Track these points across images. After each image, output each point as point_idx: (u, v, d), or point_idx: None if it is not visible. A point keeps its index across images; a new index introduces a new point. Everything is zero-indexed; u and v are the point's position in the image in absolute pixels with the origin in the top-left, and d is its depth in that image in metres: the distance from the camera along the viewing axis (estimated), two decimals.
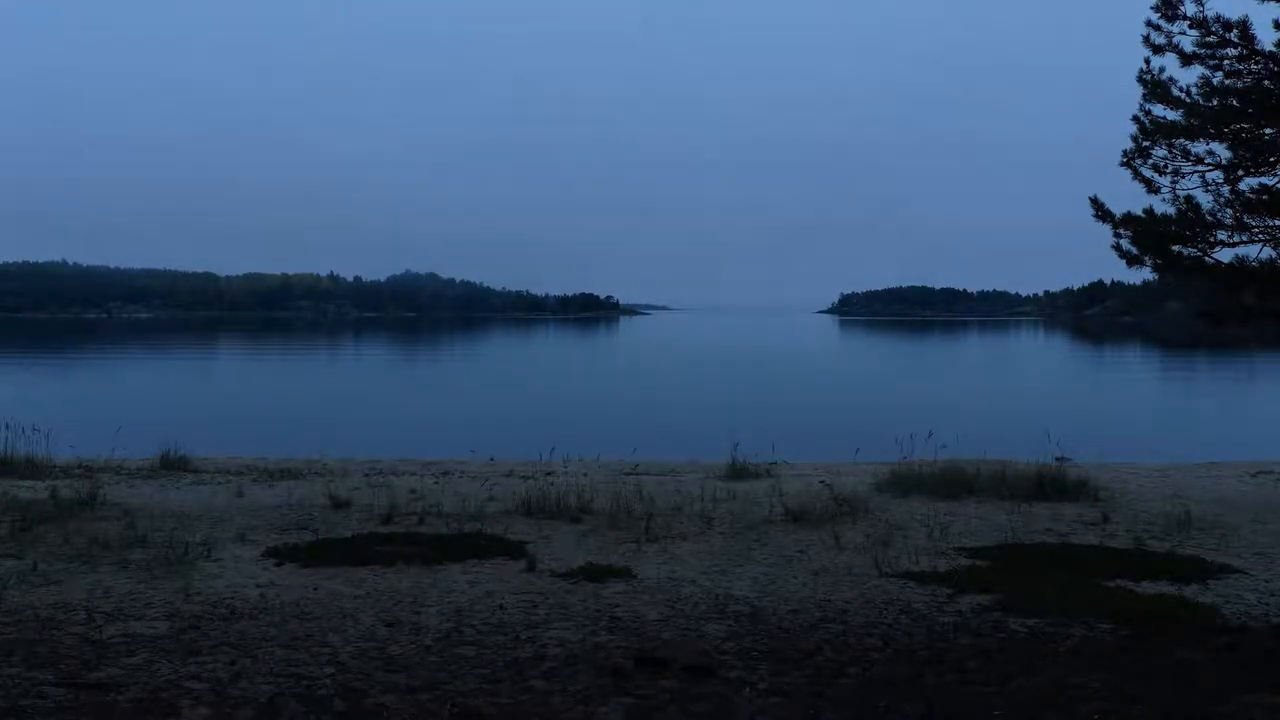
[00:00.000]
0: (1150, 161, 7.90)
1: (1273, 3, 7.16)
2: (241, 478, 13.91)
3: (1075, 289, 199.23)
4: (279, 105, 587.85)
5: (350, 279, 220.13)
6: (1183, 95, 7.69)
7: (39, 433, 14.26)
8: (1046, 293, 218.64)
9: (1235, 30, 7.18)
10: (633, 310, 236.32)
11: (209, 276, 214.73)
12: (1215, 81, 7.42)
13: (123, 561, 7.95)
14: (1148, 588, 7.42)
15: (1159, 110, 7.86)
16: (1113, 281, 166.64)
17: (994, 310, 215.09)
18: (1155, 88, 7.80)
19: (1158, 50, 7.62)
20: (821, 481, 13.04)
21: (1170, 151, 7.83)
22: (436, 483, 13.52)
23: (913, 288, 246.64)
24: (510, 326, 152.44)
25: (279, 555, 8.32)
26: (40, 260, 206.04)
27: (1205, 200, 7.68)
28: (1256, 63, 7.19)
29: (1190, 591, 7.35)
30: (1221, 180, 7.63)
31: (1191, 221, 7.64)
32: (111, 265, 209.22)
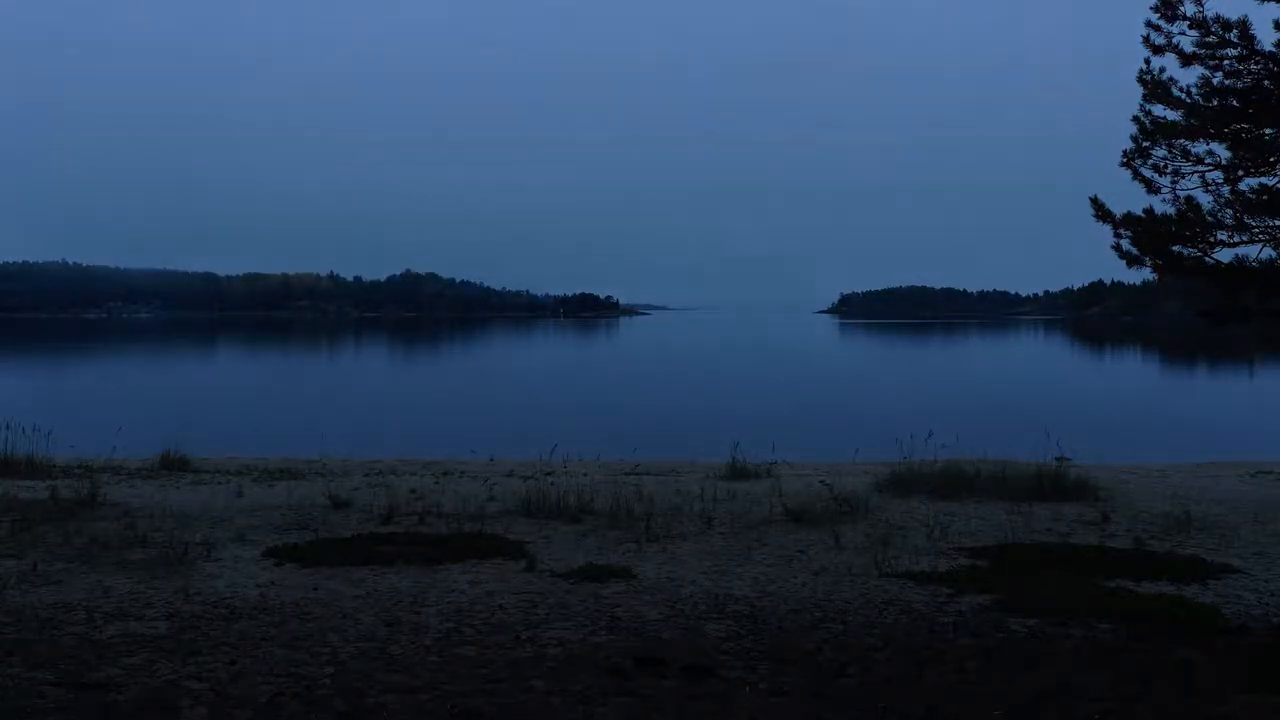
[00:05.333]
0: (1150, 161, 7.91)
1: (1273, 3, 7.16)
2: (241, 478, 13.92)
3: (1075, 289, 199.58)
4: (279, 105, 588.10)
5: (350, 279, 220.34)
6: (1183, 95, 7.69)
7: (39, 433, 14.27)
8: (1046, 293, 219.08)
9: (1235, 30, 7.18)
10: (632, 310, 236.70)
11: (209, 276, 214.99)
12: (1215, 81, 7.42)
13: (123, 561, 7.94)
14: (1148, 588, 7.41)
15: (1159, 110, 7.86)
16: (1113, 281, 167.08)
17: (994, 310, 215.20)
18: (1155, 88, 7.80)
19: (1158, 50, 7.62)
20: (821, 481, 13.04)
21: (1170, 151, 7.83)
22: (436, 483, 13.53)
23: (912, 288, 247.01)
24: (510, 326, 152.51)
25: (279, 555, 8.31)
26: (40, 260, 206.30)
27: (1205, 200, 7.69)
28: (1256, 63, 7.19)
29: (1190, 591, 7.34)
30: (1221, 180, 7.64)
31: (1191, 221, 7.64)
32: (111, 265, 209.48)
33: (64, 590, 7.06)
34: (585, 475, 14.37)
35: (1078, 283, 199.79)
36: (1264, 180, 7.46)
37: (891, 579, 7.64)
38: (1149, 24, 7.60)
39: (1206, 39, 7.31)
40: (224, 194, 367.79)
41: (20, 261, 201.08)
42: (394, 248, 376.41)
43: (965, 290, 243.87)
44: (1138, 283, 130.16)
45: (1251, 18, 7.18)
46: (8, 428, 14.14)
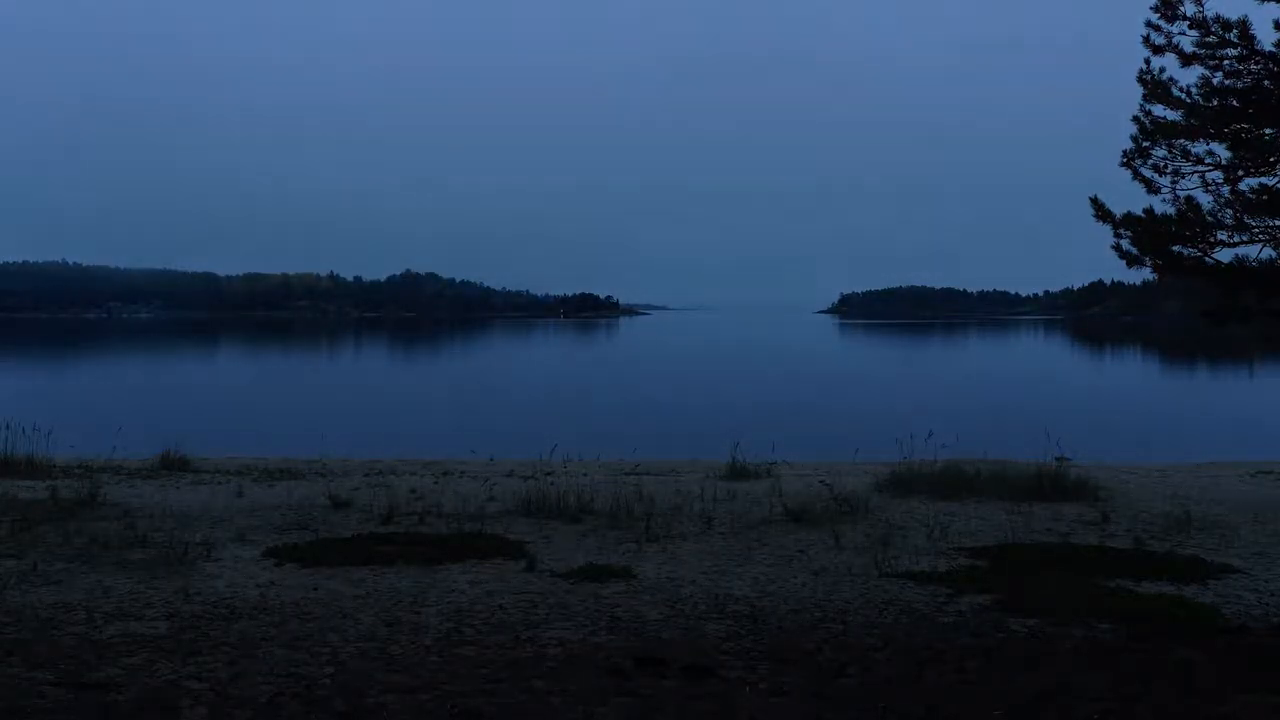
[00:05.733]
0: (1150, 161, 7.93)
1: (1273, 3, 7.17)
2: (241, 478, 13.92)
3: (1075, 289, 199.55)
4: (278, 106, 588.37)
5: (350, 279, 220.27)
6: (1183, 95, 7.70)
7: (39, 433, 14.26)
8: (1046, 293, 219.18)
9: (1235, 30, 7.20)
10: (632, 310, 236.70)
11: (209, 276, 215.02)
12: (1215, 81, 7.43)
13: (123, 561, 7.94)
14: (1148, 588, 7.41)
15: (1159, 110, 7.87)
16: (1113, 281, 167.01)
17: (994, 310, 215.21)
18: (1155, 88, 7.82)
19: (1158, 50, 7.64)
20: (821, 481, 13.03)
21: (1170, 151, 7.85)
22: (436, 483, 13.52)
23: (912, 288, 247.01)
24: (510, 326, 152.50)
25: (279, 555, 8.31)
26: (40, 260, 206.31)
27: (1205, 200, 7.72)
28: (1256, 63, 7.20)
29: (1190, 591, 7.34)
30: (1221, 180, 7.66)
31: (1191, 221, 7.66)
32: (111, 265, 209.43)
33: (64, 590, 7.05)
34: (585, 475, 14.37)
35: (1078, 283, 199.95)
36: (1264, 180, 7.48)
37: (891, 579, 7.64)
38: (1149, 24, 7.61)
39: (1206, 39, 7.32)
40: (224, 194, 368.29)
41: (20, 261, 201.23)
42: (394, 248, 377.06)
43: (965, 290, 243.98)
44: (1138, 283, 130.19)
45: (1251, 18, 7.20)
46: (8, 428, 14.14)
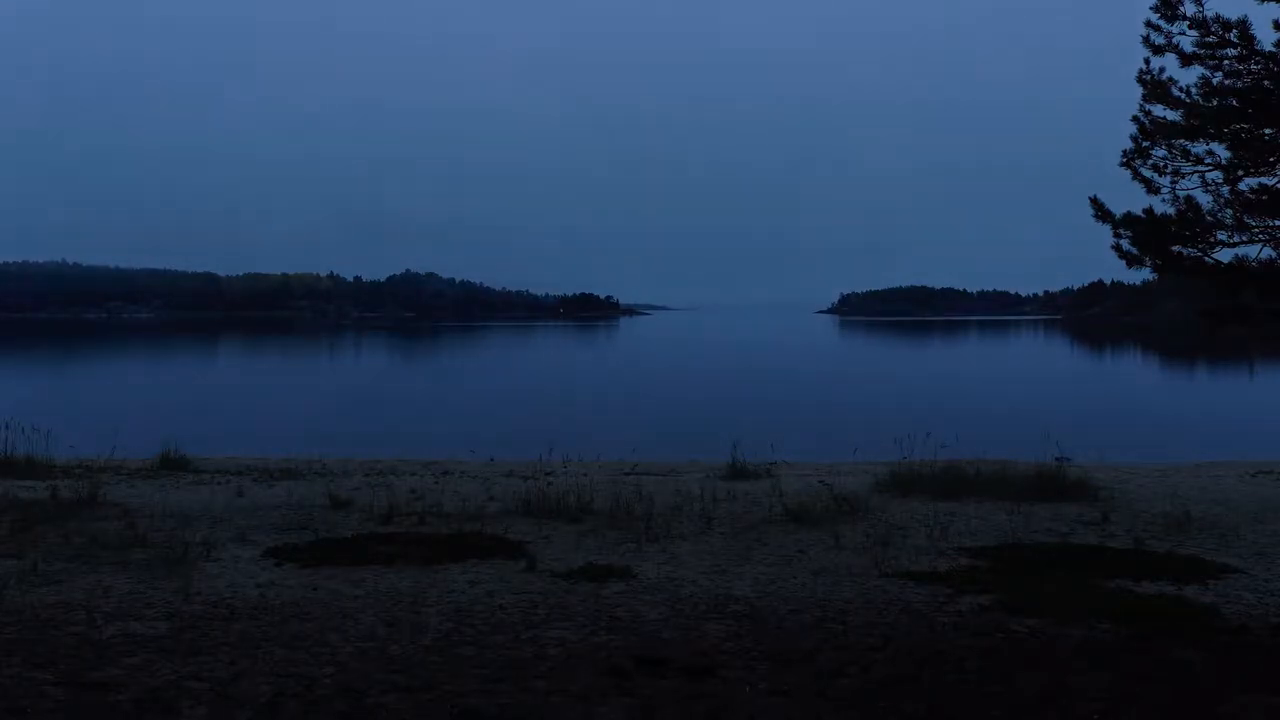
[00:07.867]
0: (1150, 161, 7.91)
1: (1273, 3, 7.17)
2: (241, 478, 13.92)
3: (1075, 289, 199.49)
4: (277, 105, 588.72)
5: (350, 279, 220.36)
6: (1183, 95, 7.69)
7: (39, 433, 14.28)
8: (1046, 292, 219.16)
9: (1235, 30, 7.19)
10: (632, 310, 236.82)
11: (209, 276, 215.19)
12: (1215, 81, 7.42)
13: (123, 561, 7.94)
14: (1148, 588, 7.42)
15: (1159, 110, 7.86)
16: (1113, 281, 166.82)
17: (994, 310, 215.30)
18: (1155, 88, 7.80)
19: (1158, 50, 7.62)
20: (821, 481, 13.03)
21: (1170, 151, 7.83)
22: (436, 483, 13.53)
23: (913, 287, 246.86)
24: (510, 326, 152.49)
25: (279, 555, 8.32)
26: (40, 260, 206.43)
27: (1205, 200, 7.70)
28: (1256, 63, 7.19)
29: (1190, 591, 7.34)
30: (1221, 180, 7.64)
31: (1191, 221, 7.65)
32: (111, 265, 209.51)
33: (64, 590, 7.06)
34: (585, 475, 14.37)
35: (1078, 283, 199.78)
36: (1264, 180, 7.47)
37: (891, 579, 7.64)
38: (1149, 24, 7.60)
39: (1206, 39, 7.31)
40: (224, 193, 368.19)
41: (20, 261, 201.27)
42: (394, 248, 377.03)
43: (965, 290, 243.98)
44: (1138, 283, 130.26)
45: (1251, 18, 7.19)
46: (8, 428, 14.15)
